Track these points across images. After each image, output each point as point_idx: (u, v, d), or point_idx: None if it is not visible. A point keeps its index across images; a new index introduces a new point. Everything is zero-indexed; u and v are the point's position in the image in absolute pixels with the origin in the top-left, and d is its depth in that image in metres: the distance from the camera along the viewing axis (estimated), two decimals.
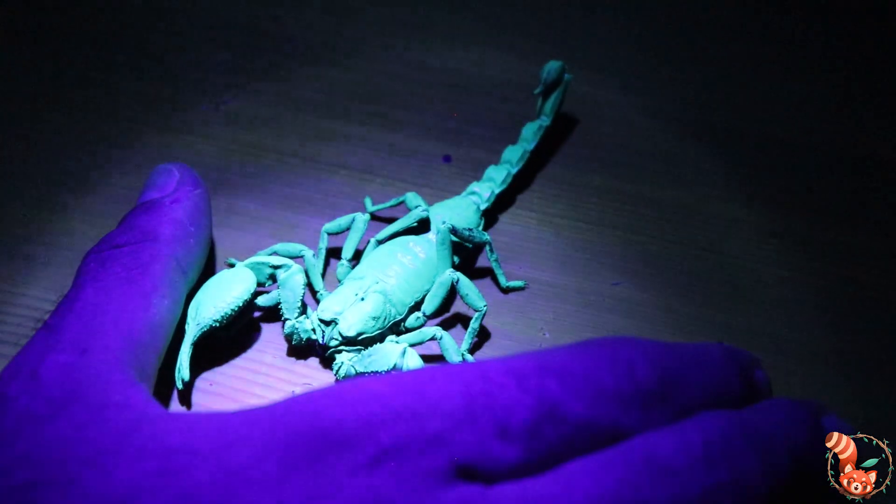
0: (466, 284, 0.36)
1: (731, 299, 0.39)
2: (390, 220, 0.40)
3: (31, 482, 0.24)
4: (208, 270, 0.38)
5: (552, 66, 0.43)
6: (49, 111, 0.45)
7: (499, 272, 0.39)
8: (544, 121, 0.43)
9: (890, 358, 0.37)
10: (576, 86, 0.47)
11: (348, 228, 0.39)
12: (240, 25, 0.50)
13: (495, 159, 0.43)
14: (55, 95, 0.46)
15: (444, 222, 0.37)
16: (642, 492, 0.22)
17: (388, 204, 0.41)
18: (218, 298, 0.35)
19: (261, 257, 0.37)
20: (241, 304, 0.35)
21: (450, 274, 0.36)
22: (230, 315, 0.35)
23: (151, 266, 0.33)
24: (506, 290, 0.39)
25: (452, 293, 0.37)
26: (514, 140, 0.43)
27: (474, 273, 0.39)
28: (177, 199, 0.36)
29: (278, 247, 0.38)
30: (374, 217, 0.41)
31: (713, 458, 0.23)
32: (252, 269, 0.36)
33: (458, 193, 0.42)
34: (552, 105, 0.43)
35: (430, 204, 0.41)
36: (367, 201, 0.42)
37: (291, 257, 0.38)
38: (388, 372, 0.33)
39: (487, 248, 0.38)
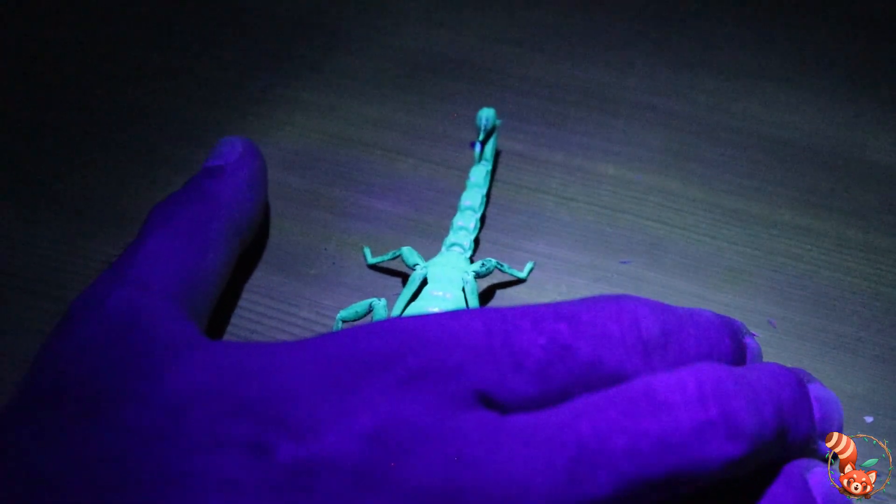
0: None
1: (728, 281, 0.42)
2: (390, 271, 0.42)
3: (93, 396, 0.26)
4: (262, 235, 0.43)
5: (488, 113, 0.44)
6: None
7: (512, 272, 0.41)
8: (487, 165, 0.45)
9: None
10: (593, 82, 0.51)
11: (366, 314, 0.39)
12: (285, 18, 0.54)
13: None
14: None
15: (466, 272, 0.39)
16: (640, 423, 0.25)
17: (386, 257, 0.42)
18: None
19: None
20: None
21: None
22: None
23: (210, 223, 0.36)
24: (526, 279, 0.42)
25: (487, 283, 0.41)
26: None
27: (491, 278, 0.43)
28: (239, 167, 0.39)
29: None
30: (372, 267, 0.42)
31: (705, 398, 0.25)
32: None
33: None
34: (492, 149, 0.45)
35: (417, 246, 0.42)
36: (367, 251, 0.42)
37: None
38: None
39: (495, 263, 0.40)
